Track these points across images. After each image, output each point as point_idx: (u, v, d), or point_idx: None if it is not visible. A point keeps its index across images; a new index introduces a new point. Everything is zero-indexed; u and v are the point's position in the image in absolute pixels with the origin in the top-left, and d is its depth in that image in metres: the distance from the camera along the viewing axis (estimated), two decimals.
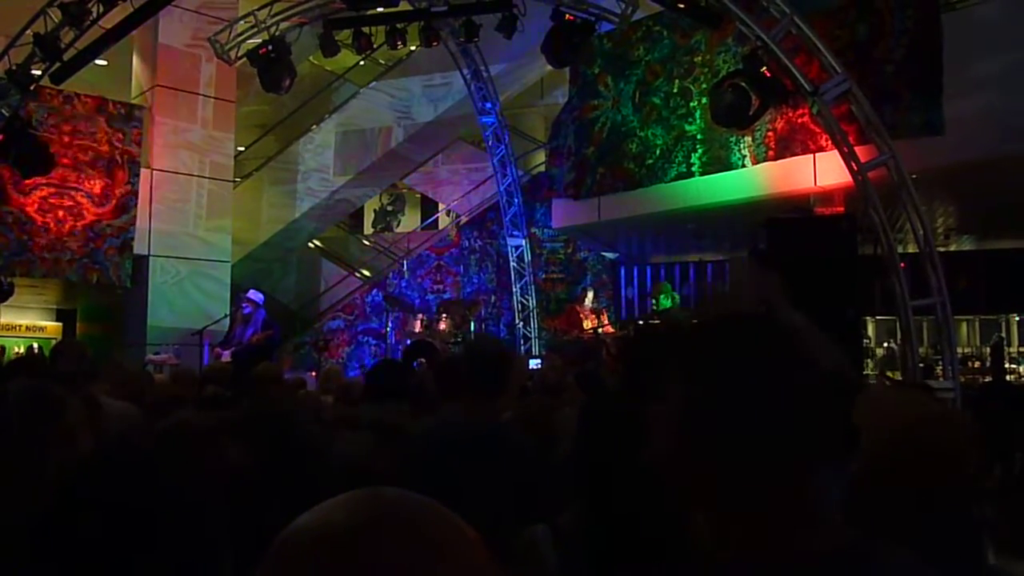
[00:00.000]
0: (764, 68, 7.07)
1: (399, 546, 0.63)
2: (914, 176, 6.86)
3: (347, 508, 0.66)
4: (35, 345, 13.38)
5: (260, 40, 9.77)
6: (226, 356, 9.22)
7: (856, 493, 1.05)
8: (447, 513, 0.67)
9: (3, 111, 8.21)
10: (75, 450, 1.76)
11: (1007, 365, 11.03)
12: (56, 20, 7.99)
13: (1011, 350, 11.49)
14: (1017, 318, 11.58)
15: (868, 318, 11.18)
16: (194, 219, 12.29)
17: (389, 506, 0.66)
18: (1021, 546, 1.92)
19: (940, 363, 8.89)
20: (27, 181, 10.15)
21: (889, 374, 10.46)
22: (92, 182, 11.16)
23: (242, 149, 14.96)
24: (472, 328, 12.06)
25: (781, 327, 0.98)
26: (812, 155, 8.37)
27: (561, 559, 1.99)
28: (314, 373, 10.42)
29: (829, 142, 7.43)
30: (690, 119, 9.58)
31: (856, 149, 6.96)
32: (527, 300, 13.40)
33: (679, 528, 1.98)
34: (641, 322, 10.06)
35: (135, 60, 12.48)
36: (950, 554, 1.25)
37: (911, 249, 7.46)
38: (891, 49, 7.59)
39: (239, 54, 10.19)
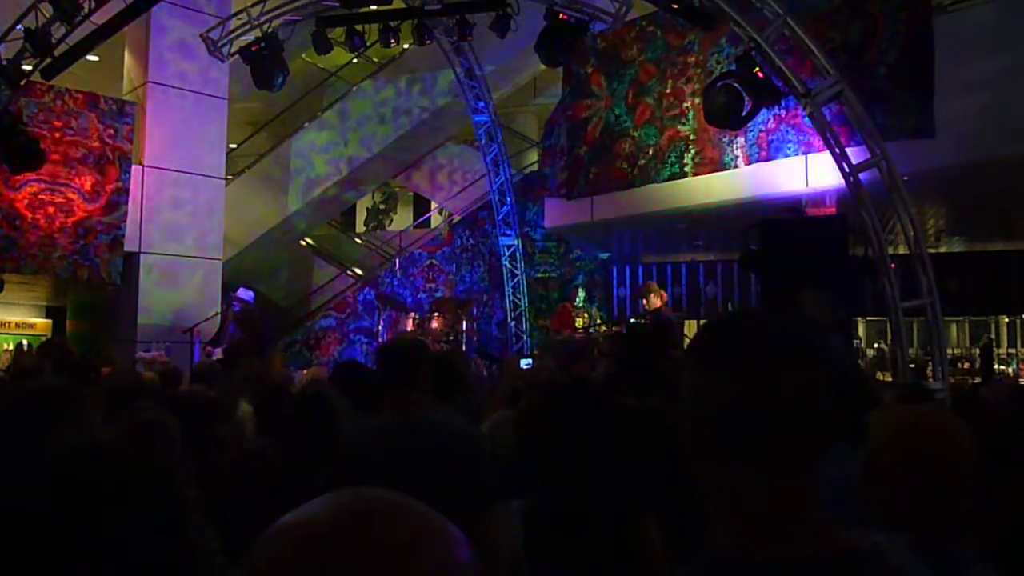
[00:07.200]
0: (757, 69, 7.08)
1: (382, 545, 0.62)
2: (905, 178, 6.89)
3: (331, 506, 0.66)
4: (24, 342, 13.31)
5: (253, 37, 9.73)
6: (217, 354, 9.20)
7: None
8: (431, 512, 0.67)
9: None
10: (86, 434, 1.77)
11: (996, 366, 11.08)
12: (47, 15, 7.93)
13: (1000, 351, 11.56)
14: (1006, 319, 11.64)
15: (859, 319, 11.23)
16: (185, 216, 12.23)
17: (373, 505, 0.66)
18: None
19: (930, 364, 8.93)
20: (17, 177, 10.08)
21: (879, 375, 10.50)
22: (83, 178, 11.09)
23: (234, 146, 14.91)
24: (464, 327, 12.04)
25: (785, 327, 0.98)
26: (804, 156, 8.40)
27: (526, 533, 2.05)
28: (305, 371, 10.39)
29: (821, 143, 7.45)
30: (683, 119, 9.59)
31: (848, 150, 6.98)
32: (519, 299, 13.40)
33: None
34: (632, 321, 10.08)
35: (127, 56, 12.42)
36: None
37: (902, 250, 7.49)
38: (883, 51, 7.61)
39: (231, 51, 10.15)
